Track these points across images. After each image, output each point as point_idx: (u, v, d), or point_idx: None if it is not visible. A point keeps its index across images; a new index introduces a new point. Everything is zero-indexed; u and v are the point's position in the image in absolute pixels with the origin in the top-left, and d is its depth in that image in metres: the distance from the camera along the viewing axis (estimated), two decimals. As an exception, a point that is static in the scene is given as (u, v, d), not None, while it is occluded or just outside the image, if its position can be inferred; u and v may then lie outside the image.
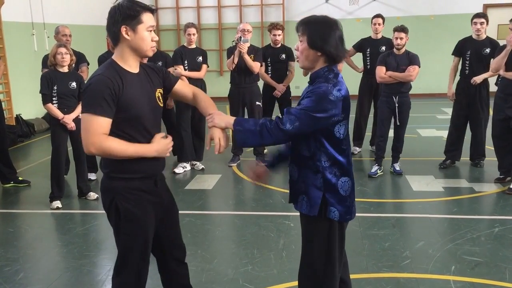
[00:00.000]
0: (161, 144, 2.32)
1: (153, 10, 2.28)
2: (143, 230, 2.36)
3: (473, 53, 5.70)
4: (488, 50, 5.64)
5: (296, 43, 2.31)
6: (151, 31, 2.26)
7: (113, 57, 2.29)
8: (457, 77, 6.01)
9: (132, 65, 2.29)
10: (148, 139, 2.33)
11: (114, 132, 2.22)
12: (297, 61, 2.35)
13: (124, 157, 2.23)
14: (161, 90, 2.42)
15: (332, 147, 2.27)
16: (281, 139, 2.23)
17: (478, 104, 5.75)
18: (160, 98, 2.41)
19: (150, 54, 2.30)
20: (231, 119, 2.31)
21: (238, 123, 2.27)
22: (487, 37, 5.76)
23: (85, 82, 5.09)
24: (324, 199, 2.30)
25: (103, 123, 2.17)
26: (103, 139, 2.16)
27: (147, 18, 2.23)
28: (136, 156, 2.25)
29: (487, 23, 5.67)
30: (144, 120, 2.30)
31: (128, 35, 2.21)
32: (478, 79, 5.63)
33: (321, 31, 2.22)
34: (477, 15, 5.70)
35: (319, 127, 2.21)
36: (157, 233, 2.47)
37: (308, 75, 2.40)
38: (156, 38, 2.31)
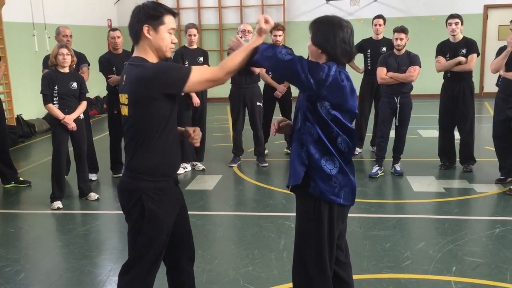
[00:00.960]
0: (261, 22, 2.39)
1: (175, 14, 2.36)
2: (164, 231, 2.41)
3: (451, 55, 5.69)
4: (464, 51, 5.64)
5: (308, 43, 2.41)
6: (171, 33, 2.34)
7: (138, 54, 2.33)
8: (441, 80, 6.00)
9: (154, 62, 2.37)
10: (175, 136, 2.43)
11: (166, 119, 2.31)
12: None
13: (242, 61, 2.32)
14: None
15: (318, 126, 2.31)
16: (276, 63, 2.28)
17: (462, 105, 5.74)
18: None
19: (169, 54, 2.39)
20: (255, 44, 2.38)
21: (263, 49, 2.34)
22: (463, 37, 5.74)
23: (86, 83, 5.19)
24: (308, 175, 2.36)
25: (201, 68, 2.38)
26: (217, 69, 2.31)
27: (169, 20, 2.32)
28: (246, 53, 2.34)
29: (462, 23, 5.67)
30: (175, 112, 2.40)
31: (149, 34, 2.29)
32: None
33: (324, 30, 2.32)
34: (452, 16, 5.71)
35: (300, 83, 2.25)
36: (172, 231, 2.49)
37: None
38: (176, 41, 2.40)
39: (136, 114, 2.28)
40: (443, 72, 5.92)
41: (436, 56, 5.84)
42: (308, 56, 2.43)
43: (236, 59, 2.30)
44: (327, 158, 2.34)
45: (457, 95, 5.74)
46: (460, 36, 5.71)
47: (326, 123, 2.30)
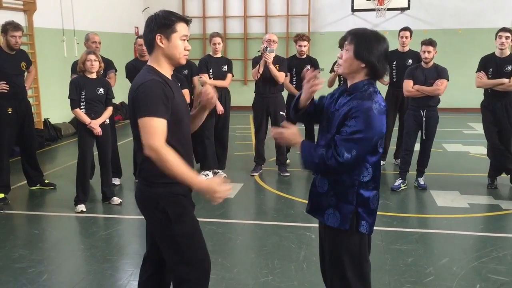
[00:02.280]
0: (214, 181, 2.22)
1: (187, 21, 2.37)
2: (196, 227, 2.44)
3: (495, 70, 5.51)
4: (509, 68, 5.43)
5: (340, 52, 2.34)
6: (184, 40, 2.34)
7: (149, 63, 2.37)
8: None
9: (167, 72, 2.37)
10: (184, 147, 2.36)
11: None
12: (337, 67, 2.38)
13: (170, 171, 2.19)
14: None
15: (374, 162, 2.28)
16: (341, 170, 2.22)
17: (506, 120, 5.60)
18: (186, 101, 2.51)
19: (183, 62, 2.39)
20: (299, 140, 2.33)
21: (303, 151, 2.30)
22: (510, 53, 5.55)
23: (112, 88, 5.27)
24: (356, 213, 2.30)
25: (163, 125, 2.20)
26: (163, 144, 2.18)
27: (181, 28, 2.32)
28: (180, 177, 2.19)
29: None
30: (183, 125, 2.38)
31: (162, 43, 2.30)
32: None
33: (368, 43, 2.25)
34: (503, 29, 5.52)
35: (373, 146, 2.23)
36: None
37: (333, 87, 2.42)
38: (189, 47, 2.39)
39: (135, 120, 2.27)
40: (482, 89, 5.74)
41: (478, 70, 5.63)
42: (334, 66, 2.40)
43: (177, 166, 2.17)
44: (375, 193, 2.34)
45: (500, 112, 5.56)
46: (507, 52, 5.52)
47: (378, 153, 2.30)
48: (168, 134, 2.22)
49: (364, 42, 2.24)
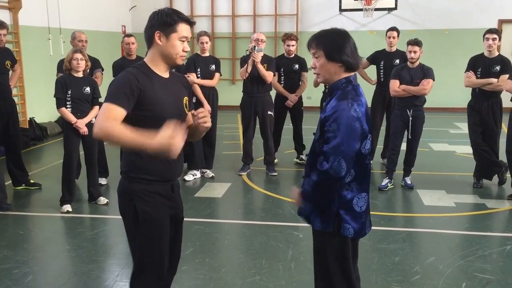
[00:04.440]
0: (165, 136, 2.02)
1: (191, 23, 2.33)
2: (160, 232, 2.37)
3: (483, 70, 5.57)
4: (498, 68, 5.51)
5: (312, 62, 2.31)
6: (183, 41, 2.31)
7: (145, 59, 2.36)
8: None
9: (161, 70, 2.35)
10: None
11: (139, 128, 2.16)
12: (316, 77, 2.33)
13: (121, 143, 2.11)
14: (187, 99, 2.48)
15: (357, 166, 2.25)
16: (331, 178, 2.18)
17: (492, 120, 5.66)
18: (187, 105, 2.46)
19: (180, 62, 2.36)
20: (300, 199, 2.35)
21: (305, 197, 2.32)
22: (499, 54, 5.62)
23: (99, 87, 5.22)
24: (338, 216, 2.28)
25: (117, 111, 2.16)
26: (111, 123, 2.11)
27: (183, 29, 2.29)
28: (133, 145, 2.08)
29: (500, 39, 5.59)
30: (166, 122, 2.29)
31: (160, 41, 2.28)
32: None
33: (336, 43, 2.23)
34: (490, 31, 5.58)
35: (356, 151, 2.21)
36: None
37: (319, 86, 2.41)
38: (188, 49, 2.36)
39: None
40: (470, 88, 5.79)
41: (467, 70, 5.68)
42: (316, 76, 2.33)
43: (123, 134, 2.07)
44: (359, 196, 2.30)
45: (486, 112, 5.61)
46: (496, 53, 5.58)
47: (364, 157, 2.27)
48: (144, 127, 2.12)
49: (331, 43, 2.22)
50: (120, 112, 2.17)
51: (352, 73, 2.30)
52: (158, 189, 2.34)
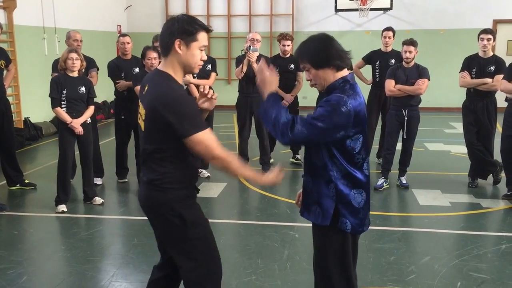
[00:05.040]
0: (274, 180, 2.33)
1: (209, 30, 2.29)
2: (210, 229, 2.45)
3: (478, 71, 5.57)
4: (492, 68, 5.51)
5: (305, 75, 2.33)
6: (202, 50, 2.27)
7: (163, 69, 2.27)
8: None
9: (179, 78, 2.31)
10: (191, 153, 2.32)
11: (176, 146, 2.24)
12: (315, 87, 2.35)
13: (234, 173, 2.30)
14: None
15: (344, 159, 2.27)
16: (286, 141, 2.20)
17: (487, 120, 5.67)
18: None
19: (197, 71, 2.34)
20: (267, 93, 2.29)
21: (268, 100, 2.27)
22: (493, 54, 5.63)
23: (94, 87, 5.21)
24: (337, 210, 2.30)
25: (212, 135, 2.25)
26: (223, 151, 2.25)
27: (202, 37, 2.25)
28: (245, 177, 2.32)
29: (494, 40, 5.60)
30: None
31: (180, 49, 2.21)
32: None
33: (318, 50, 2.24)
34: (484, 31, 5.58)
35: (328, 139, 2.21)
36: None
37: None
38: (205, 58, 2.34)
39: (155, 128, 2.23)
40: (465, 88, 5.78)
41: (462, 70, 5.69)
42: (316, 86, 2.34)
43: (232, 165, 2.27)
44: (355, 192, 2.31)
45: (481, 112, 5.62)
46: (490, 53, 5.58)
47: (352, 156, 2.27)
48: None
49: (314, 53, 2.24)
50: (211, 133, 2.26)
51: (348, 72, 2.31)
52: (191, 193, 2.39)
